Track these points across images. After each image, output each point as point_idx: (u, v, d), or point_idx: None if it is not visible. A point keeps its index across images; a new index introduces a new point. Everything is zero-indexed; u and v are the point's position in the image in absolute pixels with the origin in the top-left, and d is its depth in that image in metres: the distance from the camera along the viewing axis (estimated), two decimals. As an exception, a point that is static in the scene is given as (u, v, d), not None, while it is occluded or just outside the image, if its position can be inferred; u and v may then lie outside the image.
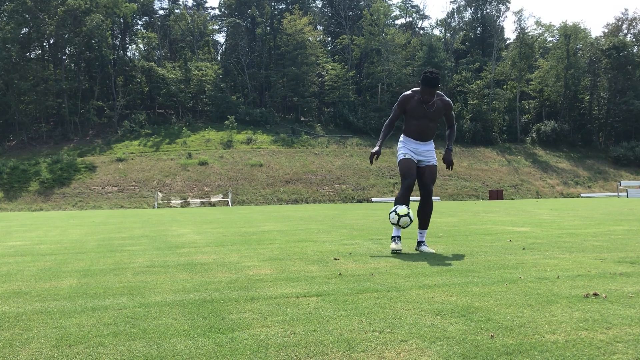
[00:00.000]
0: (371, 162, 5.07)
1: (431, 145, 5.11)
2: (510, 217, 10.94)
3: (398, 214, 4.71)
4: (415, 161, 5.01)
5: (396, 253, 4.77)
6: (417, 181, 5.08)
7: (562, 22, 59.55)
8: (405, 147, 5.05)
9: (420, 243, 5.03)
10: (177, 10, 62.79)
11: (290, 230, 8.23)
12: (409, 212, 4.72)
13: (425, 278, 3.44)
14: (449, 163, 5.18)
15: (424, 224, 5.05)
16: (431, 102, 4.88)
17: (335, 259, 4.49)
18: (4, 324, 2.46)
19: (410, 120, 5.02)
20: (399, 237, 4.88)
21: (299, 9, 59.82)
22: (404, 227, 4.74)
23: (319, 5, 70.13)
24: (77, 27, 48.40)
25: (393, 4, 68.57)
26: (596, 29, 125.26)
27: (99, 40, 49.01)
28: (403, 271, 3.74)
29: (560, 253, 4.64)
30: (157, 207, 33.82)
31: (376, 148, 5.04)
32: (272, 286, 3.27)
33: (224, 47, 66.12)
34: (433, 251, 4.89)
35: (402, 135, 5.16)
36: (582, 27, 59.46)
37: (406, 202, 4.90)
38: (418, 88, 4.93)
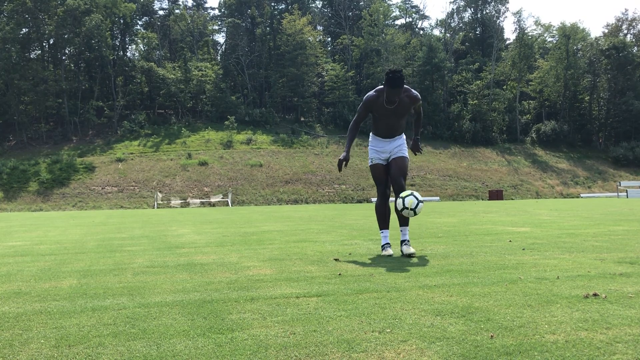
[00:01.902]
0: (340, 169, 4.93)
1: (401, 139, 4.94)
2: (510, 218, 10.93)
3: (415, 211, 4.45)
4: (384, 162, 4.88)
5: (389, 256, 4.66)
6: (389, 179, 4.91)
7: (561, 23, 59.68)
8: (372, 151, 4.95)
9: (402, 242, 4.76)
10: (177, 11, 62.85)
11: (290, 231, 8.22)
12: (407, 196, 4.51)
13: (425, 278, 3.44)
14: (416, 149, 5.08)
15: (404, 220, 4.81)
16: (397, 102, 4.69)
17: (335, 259, 4.48)
18: (4, 324, 2.46)
19: (377, 120, 4.86)
20: (389, 244, 4.78)
21: (299, 9, 59.83)
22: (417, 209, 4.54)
23: (319, 6, 70.17)
24: (77, 27, 48.41)
25: (393, 4, 68.65)
26: (596, 29, 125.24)
27: (98, 40, 49.02)
28: (403, 271, 3.74)
29: (560, 253, 4.63)
30: (157, 208, 33.81)
31: (344, 154, 4.87)
32: (272, 286, 3.26)
33: (223, 47, 66.13)
34: (414, 251, 4.61)
35: (370, 134, 5.05)
36: (581, 28, 59.56)
37: (386, 209, 4.81)
38: (382, 87, 4.72)
